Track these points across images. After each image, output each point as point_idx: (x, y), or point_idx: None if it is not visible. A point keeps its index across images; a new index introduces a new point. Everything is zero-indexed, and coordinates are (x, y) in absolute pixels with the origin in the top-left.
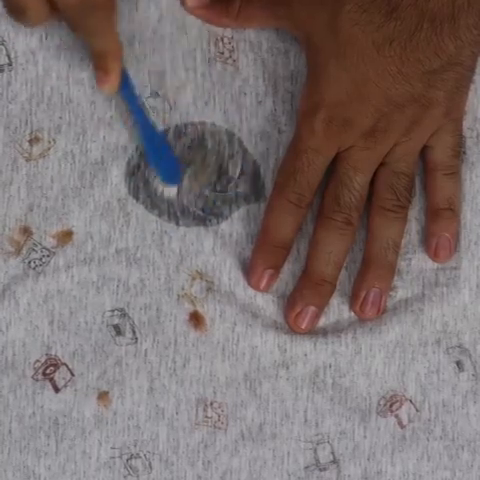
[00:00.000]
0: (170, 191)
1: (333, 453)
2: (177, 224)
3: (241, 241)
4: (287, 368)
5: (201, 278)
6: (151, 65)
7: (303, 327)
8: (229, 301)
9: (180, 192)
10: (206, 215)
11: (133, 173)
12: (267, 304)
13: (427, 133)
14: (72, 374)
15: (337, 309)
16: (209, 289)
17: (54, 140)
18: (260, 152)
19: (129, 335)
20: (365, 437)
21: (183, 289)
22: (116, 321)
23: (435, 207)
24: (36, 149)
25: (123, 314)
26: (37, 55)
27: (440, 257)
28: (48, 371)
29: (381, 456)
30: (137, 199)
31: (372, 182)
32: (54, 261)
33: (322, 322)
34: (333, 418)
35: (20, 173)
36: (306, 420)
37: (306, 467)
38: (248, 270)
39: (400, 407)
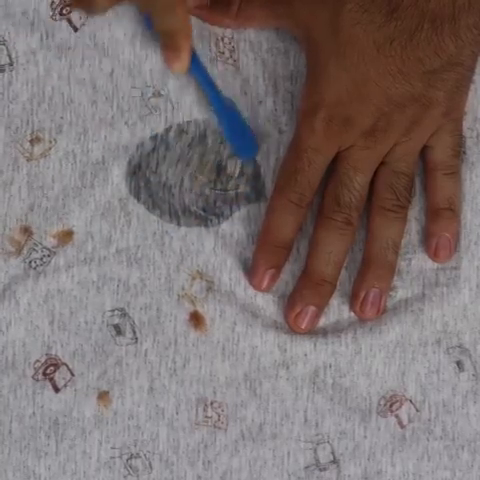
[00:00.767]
0: (171, 191)
1: (333, 453)
2: (178, 224)
3: (242, 241)
4: (287, 368)
5: (201, 278)
6: (153, 64)
7: (303, 327)
8: (229, 301)
9: (180, 191)
10: (207, 215)
11: (134, 173)
12: (267, 304)
13: (427, 133)
14: (72, 374)
15: (337, 309)
16: (209, 289)
17: (55, 140)
18: (260, 152)
19: (129, 335)
20: (365, 437)
21: (183, 289)
22: (116, 321)
23: (435, 207)
24: (37, 149)
25: (123, 314)
26: (38, 55)
27: (440, 257)
28: (48, 371)
29: (381, 456)
30: (138, 199)
31: (372, 182)
32: (54, 261)
33: (322, 322)
34: (333, 418)
35: (21, 173)
36: (306, 420)
37: (306, 467)
38: (250, 270)
39: (400, 407)
